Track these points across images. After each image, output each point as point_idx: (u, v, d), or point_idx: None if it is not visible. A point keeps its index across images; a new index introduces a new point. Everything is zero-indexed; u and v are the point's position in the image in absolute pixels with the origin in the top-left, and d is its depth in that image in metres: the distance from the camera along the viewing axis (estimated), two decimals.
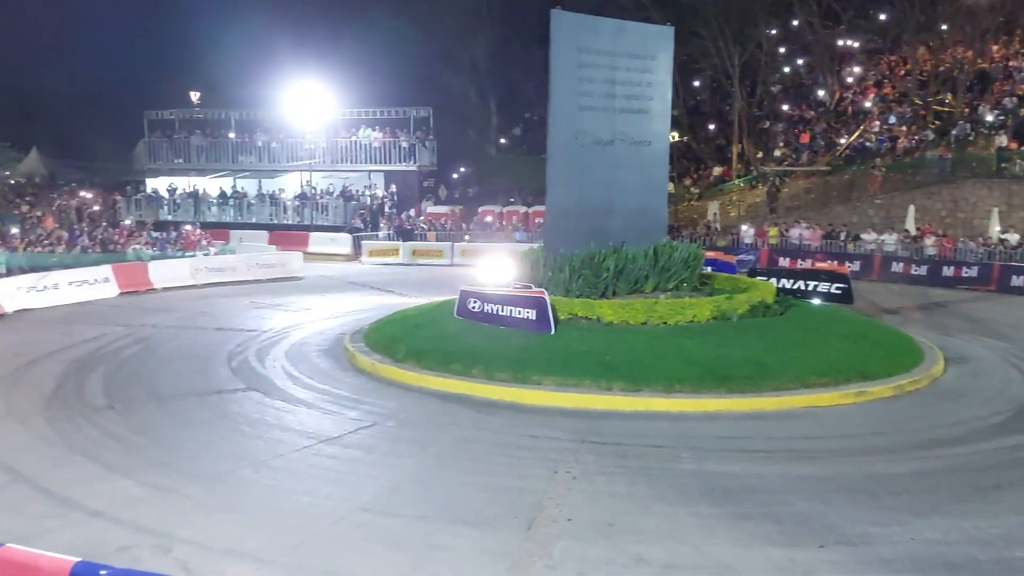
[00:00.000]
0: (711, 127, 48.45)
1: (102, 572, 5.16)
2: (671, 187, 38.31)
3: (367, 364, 14.47)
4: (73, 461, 9.78)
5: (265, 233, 36.23)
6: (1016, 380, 14.26)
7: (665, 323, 14.75)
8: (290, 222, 37.94)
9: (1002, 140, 32.33)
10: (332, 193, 38.94)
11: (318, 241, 34.91)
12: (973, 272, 25.92)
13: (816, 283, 20.44)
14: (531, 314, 14.69)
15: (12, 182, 44.34)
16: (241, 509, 8.41)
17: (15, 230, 28.10)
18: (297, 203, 38.63)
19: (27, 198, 40.43)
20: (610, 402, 12.24)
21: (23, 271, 22.80)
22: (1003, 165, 30.99)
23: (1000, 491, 9.18)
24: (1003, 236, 28.06)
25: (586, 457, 10.05)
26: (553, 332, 14.34)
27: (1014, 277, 25.14)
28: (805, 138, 40.63)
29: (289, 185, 40.10)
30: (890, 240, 29.21)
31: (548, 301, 14.57)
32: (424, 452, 10.25)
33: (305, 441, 10.54)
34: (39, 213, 35.01)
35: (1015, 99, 34.67)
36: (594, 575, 7.08)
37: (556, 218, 17.04)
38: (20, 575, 4.44)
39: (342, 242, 34.65)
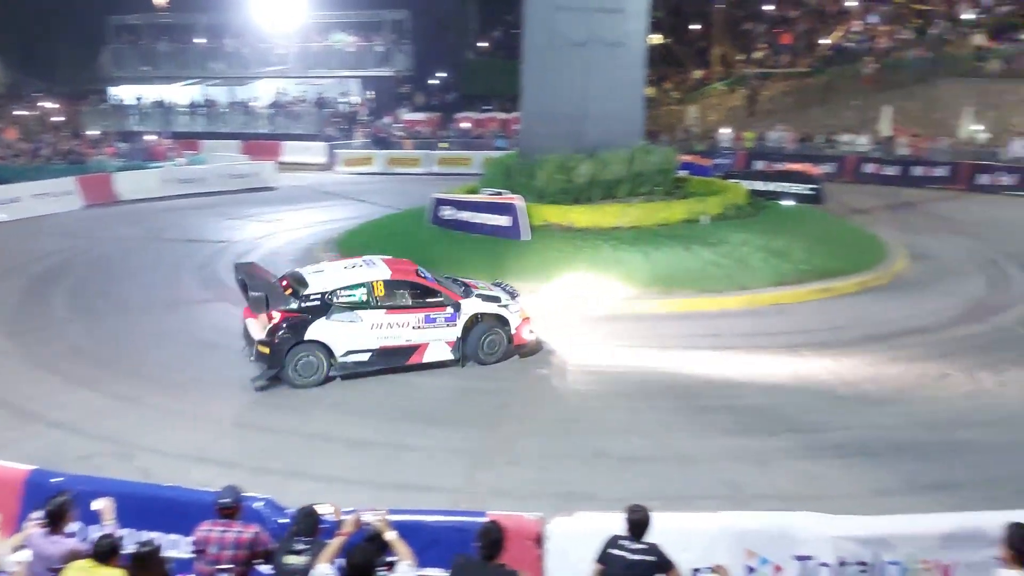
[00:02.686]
0: (691, 29, 47.62)
1: (57, 479, 5.37)
2: (650, 91, 37.94)
3: None
4: (37, 376, 9.78)
5: (237, 143, 35.69)
6: (974, 275, 14.62)
7: (637, 227, 14.88)
8: (263, 131, 37.34)
9: (979, 38, 32.07)
10: (305, 101, 38.26)
11: (292, 150, 34.43)
12: (943, 171, 26.11)
13: (788, 185, 20.60)
14: (505, 221, 14.76)
15: None
16: (207, 417, 8.61)
17: None
18: (270, 111, 37.98)
19: None
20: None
21: None
22: (979, 64, 30.84)
23: (948, 379, 9.60)
24: (973, 135, 28.14)
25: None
26: (527, 238, 14.44)
27: (981, 176, 25.36)
28: (786, 39, 40.11)
29: (262, 93, 39.30)
30: (863, 142, 29.27)
31: (521, 207, 14.64)
32: None
33: None
34: (0, 125, 34.27)
35: None
36: (554, 469, 7.43)
37: (531, 123, 16.95)
38: None
39: (316, 151, 34.20)
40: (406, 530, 4.60)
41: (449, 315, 9.82)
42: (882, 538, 4.84)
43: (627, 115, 16.99)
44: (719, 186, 18.19)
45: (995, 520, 4.43)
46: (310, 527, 4.57)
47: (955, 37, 33.41)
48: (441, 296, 9.91)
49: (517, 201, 14.74)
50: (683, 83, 43.83)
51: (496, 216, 14.91)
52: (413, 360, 9.73)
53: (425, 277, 10.10)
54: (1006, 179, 24.96)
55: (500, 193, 15.39)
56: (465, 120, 36.70)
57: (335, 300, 9.40)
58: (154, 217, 21.20)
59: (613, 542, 4.43)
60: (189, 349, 10.80)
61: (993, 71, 30.28)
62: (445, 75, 45.36)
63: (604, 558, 4.41)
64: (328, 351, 9.28)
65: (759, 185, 20.23)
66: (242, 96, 39.66)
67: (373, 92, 38.90)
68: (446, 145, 33.48)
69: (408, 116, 37.90)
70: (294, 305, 9.27)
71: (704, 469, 7.46)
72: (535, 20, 16.10)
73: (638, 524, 4.44)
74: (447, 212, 15.80)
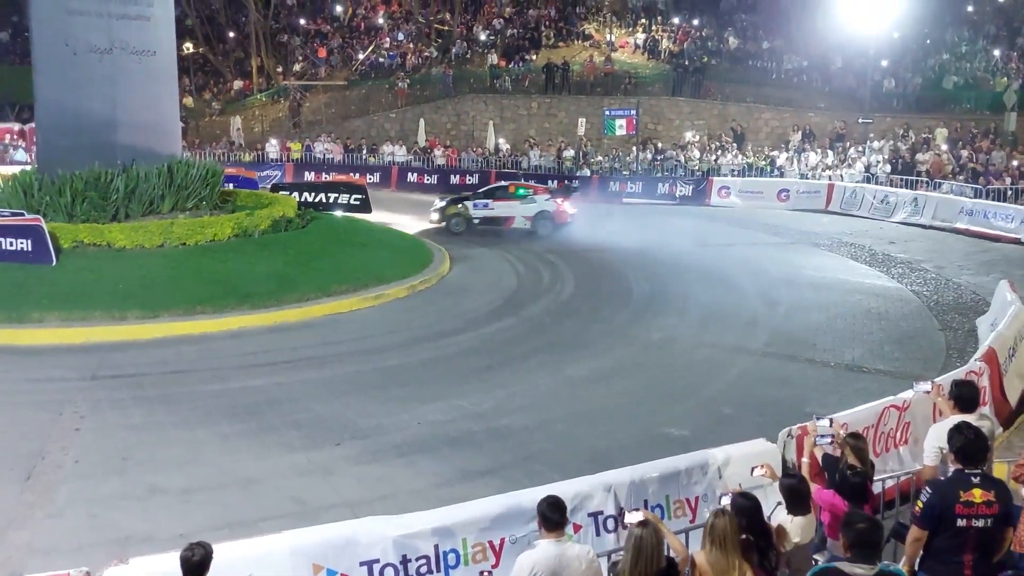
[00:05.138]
0: (229, 38, 46.55)
1: None
2: (189, 101, 36.36)
3: None
4: None
5: None
6: (507, 271, 16.41)
7: (184, 244, 14.19)
8: None
9: (493, 58, 35.97)
10: None
11: None
12: (475, 179, 28.83)
13: (336, 195, 21.15)
14: (26, 244, 13.10)
15: None
16: None
17: None
18: None
19: None
20: (125, 332, 11.59)
21: None
22: (495, 81, 34.60)
23: (491, 371, 10.63)
24: (499, 145, 31.54)
25: (97, 393, 9.45)
26: (55, 263, 13.00)
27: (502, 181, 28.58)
28: (323, 52, 41.05)
29: None
30: (401, 152, 31.20)
31: (46, 228, 13.13)
32: None
33: None
34: None
35: (502, 21, 38.60)
36: (104, 514, 6.78)
37: (50, 135, 15.31)
38: None
39: None
40: None
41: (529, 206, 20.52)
42: (440, 529, 5.17)
43: (162, 126, 16.16)
44: (268, 199, 18.05)
45: (533, 496, 4.98)
46: None
47: (473, 56, 37.03)
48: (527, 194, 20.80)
49: (40, 222, 13.17)
50: (223, 93, 42.70)
51: (15, 239, 13.13)
52: (507, 226, 20.47)
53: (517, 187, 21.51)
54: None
55: (19, 214, 13.62)
56: None
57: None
58: None
59: None
60: None
61: (506, 88, 34.14)
62: None
63: None
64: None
65: (308, 197, 20.47)
66: None
67: None
68: None
69: None
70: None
71: (269, 489, 7.35)
72: (44, 24, 14.65)
73: (197, 565, 4.17)
74: None
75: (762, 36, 34.35)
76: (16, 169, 18.31)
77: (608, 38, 35.83)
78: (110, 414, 8.88)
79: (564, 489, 5.27)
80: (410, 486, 7.44)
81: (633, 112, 28.68)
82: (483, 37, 37.68)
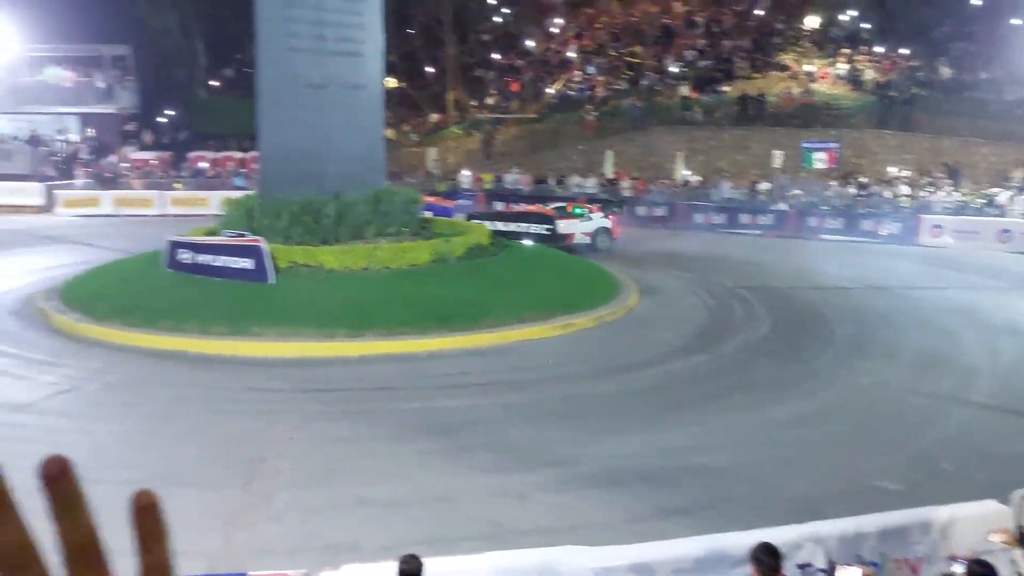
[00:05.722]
0: (427, 73, 48.85)
1: None
2: (391, 133, 38.32)
3: (64, 323, 13.29)
4: None
5: None
6: (697, 307, 16.05)
7: (387, 268, 14.89)
8: None
9: (684, 90, 35.68)
10: (18, 138, 34.73)
11: (2, 191, 31.12)
12: (662, 211, 28.60)
13: (527, 225, 21.57)
14: (248, 263, 14.19)
15: None
16: None
17: None
18: None
19: None
20: (333, 348, 12.26)
21: None
22: (685, 113, 34.27)
23: (684, 407, 10.40)
24: (687, 178, 31.16)
25: (308, 405, 10.04)
26: (273, 281, 13.99)
27: (696, 215, 28.11)
28: (515, 86, 42.27)
29: None
30: (590, 183, 31.41)
31: (266, 249, 14.17)
32: (133, 413, 9.70)
33: None
34: None
35: (694, 52, 38.27)
36: (316, 521, 7.16)
37: (270, 164, 16.53)
38: None
39: (32, 192, 31.10)
40: None
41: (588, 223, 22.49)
42: (639, 565, 5.08)
43: (369, 156, 17.08)
44: (463, 226, 18.67)
45: (737, 540, 4.80)
46: None
47: (663, 88, 36.87)
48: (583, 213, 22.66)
49: (261, 243, 14.24)
50: (421, 126, 44.74)
51: (239, 259, 14.29)
52: (568, 242, 21.61)
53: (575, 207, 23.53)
54: (717, 218, 27.78)
55: (242, 235, 14.80)
56: (201, 159, 35.00)
57: None
58: None
59: None
60: None
61: (697, 120, 33.71)
62: (174, 113, 43.07)
63: None
64: None
65: (500, 225, 21.00)
66: None
67: (94, 130, 36.07)
68: (180, 185, 31.73)
69: (136, 155, 35.49)
70: None
71: (465, 508, 7.51)
72: (269, 60, 15.83)
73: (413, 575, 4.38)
74: (184, 256, 14.91)
75: (979, 65, 32.14)
76: (236, 194, 19.95)
77: (807, 68, 34.70)
78: (319, 425, 9.41)
79: (769, 536, 5.05)
80: (603, 518, 7.36)
81: (834, 145, 27.55)
82: (674, 69, 37.44)
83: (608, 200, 27.76)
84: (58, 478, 0.57)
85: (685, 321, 14.88)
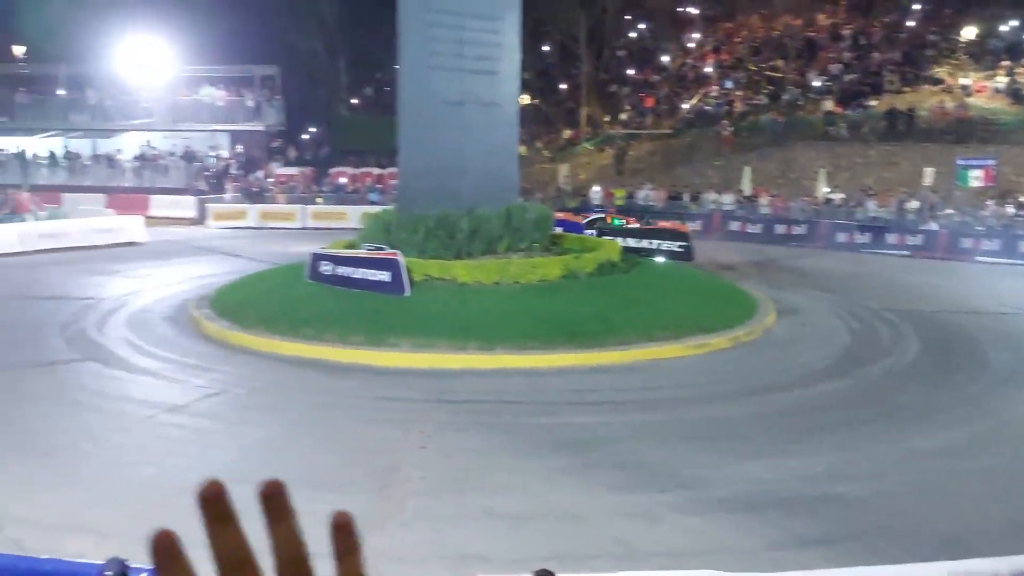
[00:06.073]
0: (560, 90, 49.16)
1: None
2: (523, 149, 38.70)
3: (214, 331, 14.03)
4: None
5: (102, 196, 34.14)
6: (839, 329, 15.38)
7: (518, 282, 15.00)
8: (129, 184, 35.92)
9: (828, 104, 34.47)
10: (174, 154, 37.12)
11: (160, 204, 33.23)
12: (803, 230, 27.66)
13: (659, 242, 21.29)
14: (385, 276, 14.59)
15: None
16: (80, 484, 8.02)
17: None
18: (136, 164, 36.61)
19: None
20: (464, 361, 12.41)
21: None
22: (829, 128, 33.09)
23: (824, 431, 9.95)
24: (829, 195, 30.04)
25: (440, 416, 10.19)
26: (408, 294, 14.32)
27: (839, 234, 27.03)
28: (650, 102, 41.92)
29: (127, 146, 37.91)
30: (727, 200, 30.72)
31: (403, 262, 14.54)
32: (276, 418, 10.11)
33: (148, 411, 10.16)
34: None
35: (840, 66, 36.96)
36: (446, 530, 7.23)
37: (408, 179, 16.95)
38: None
39: (186, 205, 33.13)
40: None
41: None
42: None
43: (503, 172, 17.26)
44: (593, 243, 18.60)
45: (887, 573, 4.54)
46: None
47: (806, 103, 35.72)
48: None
49: (398, 256, 14.62)
50: (554, 142, 45.04)
51: (376, 271, 14.72)
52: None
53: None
54: (861, 237, 26.61)
55: (380, 248, 15.24)
56: (341, 175, 36.40)
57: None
58: (14, 273, 19.86)
59: None
60: (56, 411, 10.08)
61: (842, 135, 32.47)
62: (317, 130, 45.03)
63: None
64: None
65: (632, 242, 20.82)
66: (105, 149, 38.13)
67: (243, 146, 38.15)
68: (321, 199, 33.05)
69: (281, 170, 37.29)
70: None
71: (593, 526, 7.41)
72: (410, 78, 16.22)
73: None
74: (325, 267, 15.49)
75: None
76: (372, 208, 20.62)
77: (962, 82, 32.90)
78: (450, 436, 9.53)
79: (918, 573, 4.75)
80: (737, 544, 7.11)
81: (992, 162, 25.97)
82: (817, 83, 36.25)
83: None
84: (273, 496, 0.66)
85: (827, 343, 14.28)
